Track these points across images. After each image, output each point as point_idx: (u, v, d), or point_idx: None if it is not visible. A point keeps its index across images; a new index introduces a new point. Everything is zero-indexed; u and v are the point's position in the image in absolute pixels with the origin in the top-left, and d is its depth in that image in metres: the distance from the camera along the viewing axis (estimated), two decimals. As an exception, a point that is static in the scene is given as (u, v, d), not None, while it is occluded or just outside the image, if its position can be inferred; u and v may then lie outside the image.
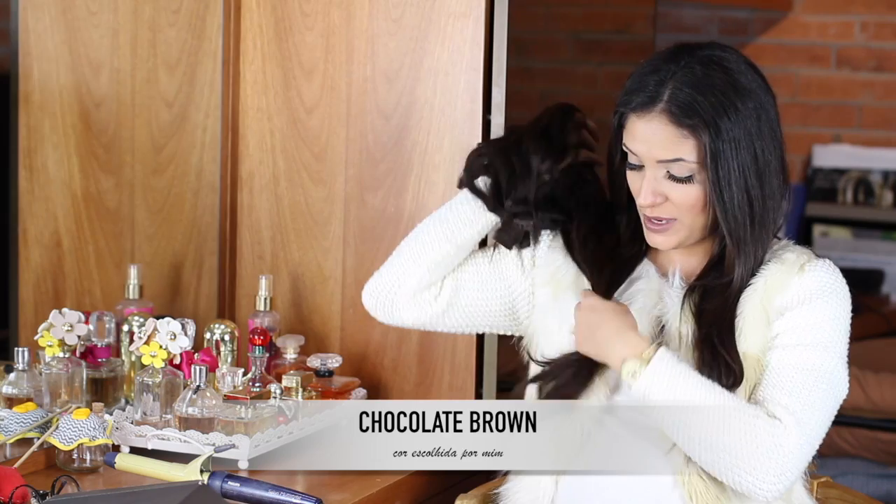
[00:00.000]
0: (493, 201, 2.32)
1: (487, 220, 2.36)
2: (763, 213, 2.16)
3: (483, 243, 2.43)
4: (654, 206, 2.17)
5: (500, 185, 2.30)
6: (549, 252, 2.34)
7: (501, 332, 2.45)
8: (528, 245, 2.36)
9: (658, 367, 2.10)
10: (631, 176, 2.21)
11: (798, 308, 2.17)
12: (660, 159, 2.15)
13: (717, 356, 2.14)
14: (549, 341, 2.29)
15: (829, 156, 5.30)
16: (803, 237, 5.17)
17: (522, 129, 2.33)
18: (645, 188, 2.17)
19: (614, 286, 2.25)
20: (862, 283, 5.00)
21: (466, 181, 2.34)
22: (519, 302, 2.38)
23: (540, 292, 2.34)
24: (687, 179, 2.15)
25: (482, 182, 2.33)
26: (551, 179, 2.29)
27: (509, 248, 2.36)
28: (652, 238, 2.22)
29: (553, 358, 2.25)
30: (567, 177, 2.31)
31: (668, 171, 2.15)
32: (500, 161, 2.31)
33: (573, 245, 2.31)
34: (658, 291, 2.24)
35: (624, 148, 2.20)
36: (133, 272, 2.83)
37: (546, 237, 2.36)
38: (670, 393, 2.10)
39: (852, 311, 2.24)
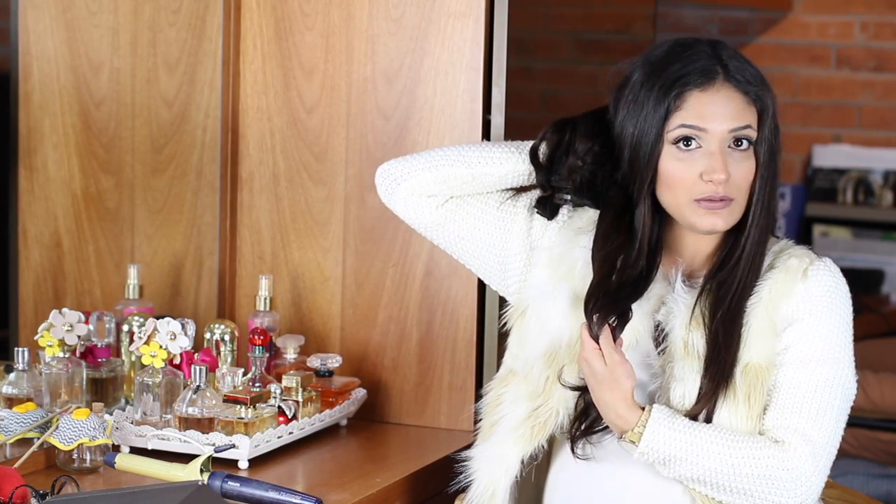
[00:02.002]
0: (544, 171, 2.32)
1: (516, 170, 2.36)
2: (774, 206, 2.22)
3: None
4: (726, 181, 2.15)
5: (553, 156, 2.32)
6: (558, 234, 2.33)
7: (488, 281, 2.44)
8: (551, 218, 2.35)
9: (650, 443, 2.13)
10: (681, 161, 2.17)
11: (805, 319, 2.18)
12: (733, 128, 2.15)
13: (726, 375, 2.14)
14: (543, 329, 2.27)
15: (829, 156, 5.30)
16: (803, 237, 5.16)
17: (596, 109, 2.34)
18: (717, 164, 2.14)
19: (614, 304, 2.20)
20: (862, 283, 4.99)
21: (533, 146, 2.34)
22: (511, 263, 2.37)
23: (536, 272, 2.32)
24: (747, 150, 2.17)
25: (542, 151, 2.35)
26: (588, 164, 2.28)
27: (549, 218, 2.34)
28: (707, 220, 2.17)
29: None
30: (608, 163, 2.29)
31: (731, 144, 2.16)
32: (554, 133, 2.31)
33: (595, 239, 2.29)
34: (660, 295, 2.23)
35: (678, 132, 2.16)
36: (133, 272, 2.83)
37: (562, 217, 2.34)
38: (670, 458, 2.13)
39: (852, 311, 2.25)
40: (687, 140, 2.16)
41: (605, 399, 2.16)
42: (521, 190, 2.41)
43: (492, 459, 2.28)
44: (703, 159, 2.16)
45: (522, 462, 2.27)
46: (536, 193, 2.37)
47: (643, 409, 2.15)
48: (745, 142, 2.17)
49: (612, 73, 2.30)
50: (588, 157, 2.27)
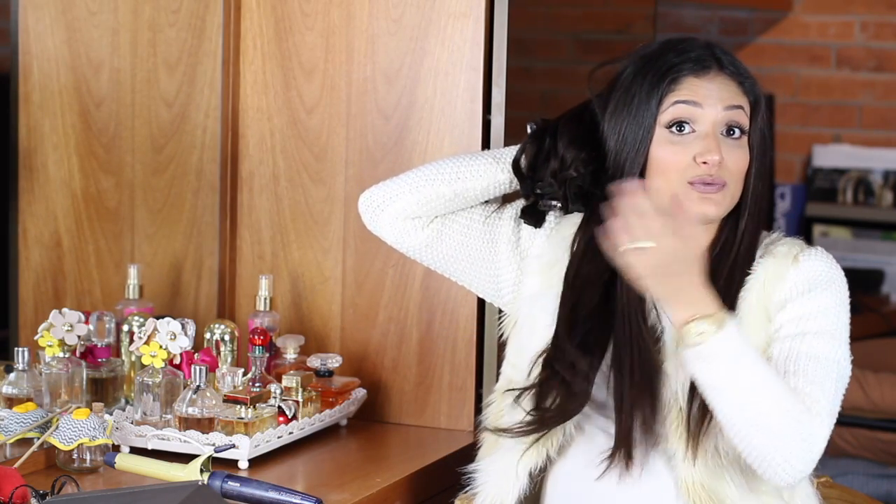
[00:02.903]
0: (528, 181, 2.31)
1: (496, 181, 2.35)
2: (767, 196, 2.21)
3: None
4: (720, 163, 2.14)
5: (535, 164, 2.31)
6: (547, 241, 2.32)
7: (482, 296, 2.43)
8: (538, 226, 2.34)
9: (727, 336, 2.01)
10: (674, 144, 2.16)
11: (798, 298, 2.16)
12: (727, 105, 2.15)
13: None
14: (537, 336, 2.26)
15: (829, 156, 5.30)
16: (803, 237, 5.16)
17: (572, 109, 2.32)
18: (712, 144, 2.13)
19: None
20: (862, 283, 4.99)
21: (515, 159, 2.33)
22: (503, 275, 2.36)
23: (529, 281, 2.31)
24: (740, 139, 2.17)
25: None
26: (580, 173, 2.26)
27: (536, 226, 2.33)
28: (702, 207, 2.15)
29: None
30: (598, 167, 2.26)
31: (727, 126, 2.16)
32: (534, 140, 2.30)
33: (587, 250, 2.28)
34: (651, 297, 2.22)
35: (673, 111, 2.15)
36: (133, 272, 2.83)
37: (549, 224, 2.33)
38: (731, 366, 2.02)
39: (852, 310, 2.24)
40: (680, 124, 2.16)
41: (692, 276, 2.01)
42: (504, 201, 2.40)
43: (500, 473, 2.27)
44: (696, 142, 2.15)
45: (531, 475, 2.26)
46: (520, 203, 2.36)
47: None
48: (737, 130, 2.17)
49: (594, 72, 2.29)
50: (578, 166, 2.27)
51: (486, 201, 2.40)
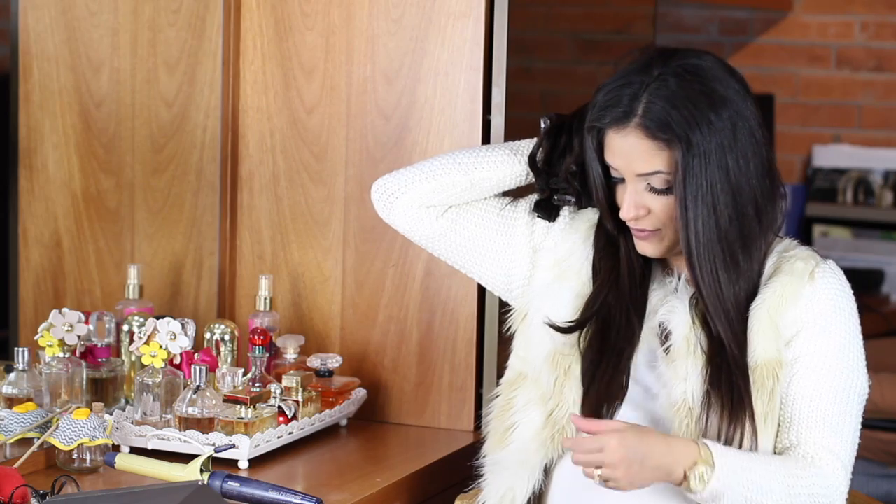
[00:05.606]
0: (543, 176, 2.33)
1: (513, 172, 2.36)
2: (732, 229, 2.13)
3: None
4: (638, 218, 2.16)
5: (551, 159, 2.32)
6: (561, 235, 2.33)
7: (490, 288, 2.43)
8: (552, 220, 2.35)
9: (724, 463, 2.07)
10: (616, 189, 2.21)
11: (816, 324, 2.18)
12: (639, 173, 2.14)
13: (731, 375, 2.14)
14: (547, 330, 2.26)
15: (829, 156, 5.30)
16: (803, 237, 5.16)
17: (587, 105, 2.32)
18: (627, 202, 2.16)
19: (638, 302, 2.23)
20: (862, 283, 4.98)
21: (531, 155, 2.34)
22: (516, 268, 2.37)
23: (540, 274, 2.32)
24: (667, 191, 2.14)
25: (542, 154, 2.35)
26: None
27: (550, 220, 2.34)
28: (640, 246, 2.21)
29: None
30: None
31: (648, 184, 2.15)
32: (550, 135, 2.31)
33: (597, 243, 2.30)
34: (661, 296, 2.23)
35: (606, 162, 2.19)
36: (133, 272, 2.83)
37: (564, 218, 2.34)
38: (741, 491, 2.08)
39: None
40: (612, 171, 2.19)
41: (658, 446, 2.07)
42: (519, 194, 2.41)
43: (514, 466, 2.27)
44: (625, 191, 2.18)
45: (546, 469, 2.26)
46: (535, 197, 2.37)
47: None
48: (655, 184, 2.15)
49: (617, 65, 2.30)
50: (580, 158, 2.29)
51: (501, 193, 2.40)
